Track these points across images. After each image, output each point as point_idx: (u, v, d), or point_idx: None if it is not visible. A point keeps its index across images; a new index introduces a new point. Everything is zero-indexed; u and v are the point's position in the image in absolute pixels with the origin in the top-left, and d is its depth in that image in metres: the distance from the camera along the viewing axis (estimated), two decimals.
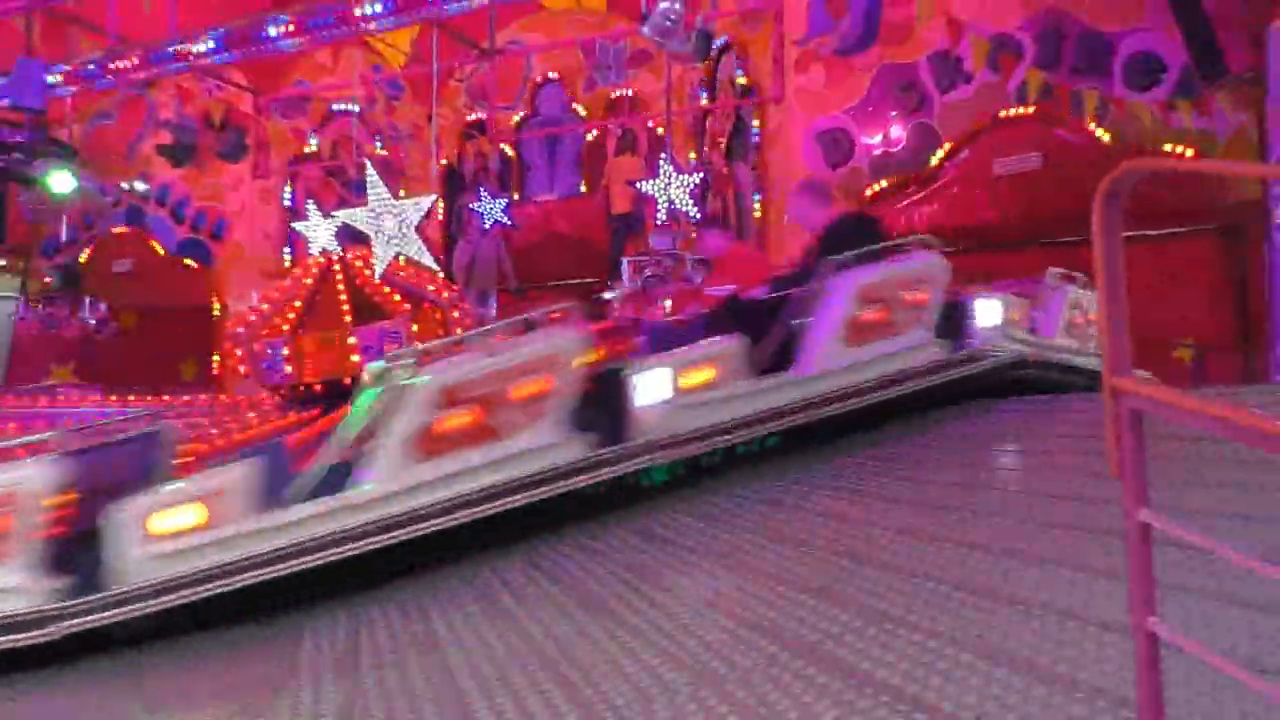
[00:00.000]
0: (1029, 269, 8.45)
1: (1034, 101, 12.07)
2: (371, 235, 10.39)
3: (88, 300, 16.45)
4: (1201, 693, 2.34)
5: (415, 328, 10.67)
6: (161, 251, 17.84)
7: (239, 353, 10.30)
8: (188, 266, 17.71)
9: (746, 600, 3.78)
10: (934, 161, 12.81)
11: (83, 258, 17.97)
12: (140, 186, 17.93)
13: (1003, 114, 12.30)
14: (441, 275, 14.38)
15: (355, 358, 9.98)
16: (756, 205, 14.18)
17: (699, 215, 14.00)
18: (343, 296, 10.37)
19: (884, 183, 13.14)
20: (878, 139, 13.30)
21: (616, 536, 5.37)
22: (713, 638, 3.42)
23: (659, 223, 13.89)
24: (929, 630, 3.01)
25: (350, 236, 14.11)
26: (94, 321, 16.53)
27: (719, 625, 3.56)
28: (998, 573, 3.52)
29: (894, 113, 13.16)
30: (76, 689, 4.95)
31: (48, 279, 17.55)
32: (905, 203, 12.92)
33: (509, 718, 3.12)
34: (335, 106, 17.13)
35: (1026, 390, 7.10)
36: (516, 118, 16.14)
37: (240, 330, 10.56)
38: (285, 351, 10.21)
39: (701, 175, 13.90)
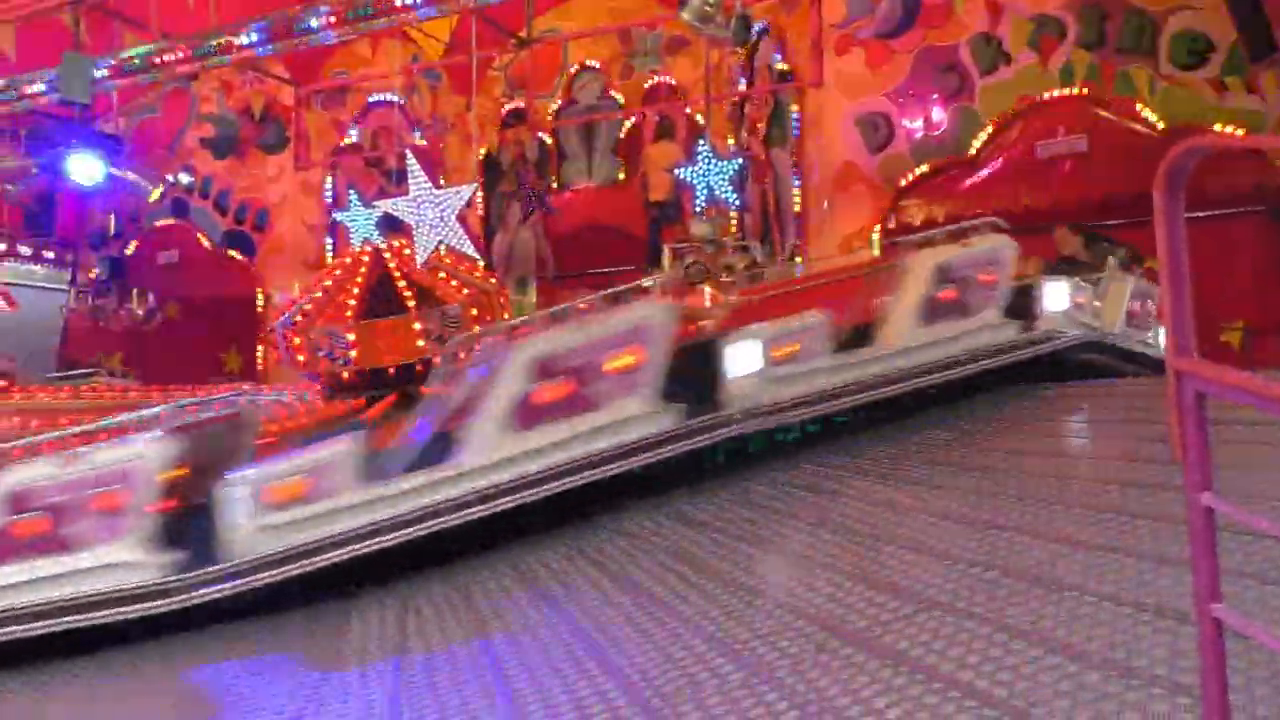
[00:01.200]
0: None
1: (1079, 82, 11.89)
2: (413, 224, 10.44)
3: (135, 292, 16.68)
4: (1259, 679, 2.30)
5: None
6: (206, 243, 18.05)
7: (297, 341, 10.40)
8: (231, 258, 17.90)
9: (794, 587, 3.77)
10: (976, 145, 12.67)
11: (129, 250, 18.23)
12: (184, 179, 18.14)
13: (1046, 95, 12.13)
14: (481, 264, 14.47)
15: (420, 343, 10.02)
16: (796, 192, 14.10)
17: (738, 202, 13.95)
18: (402, 284, 10.44)
19: (925, 167, 13.01)
20: (919, 123, 13.17)
21: (658, 522, 5.38)
22: (761, 624, 3.41)
23: (698, 210, 13.84)
24: (980, 617, 2.99)
25: (390, 226, 14.21)
26: (141, 313, 16.77)
27: (767, 612, 3.55)
28: (1047, 559, 3.48)
29: (935, 95, 13.02)
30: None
31: (96, 271, 17.84)
32: (947, 187, 12.79)
33: (560, 705, 3.13)
34: (374, 97, 17.22)
35: (1089, 375, 7.02)
36: (554, 106, 16.14)
37: (297, 319, 10.64)
38: (350, 338, 10.30)
39: (740, 162, 13.83)
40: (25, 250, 18.03)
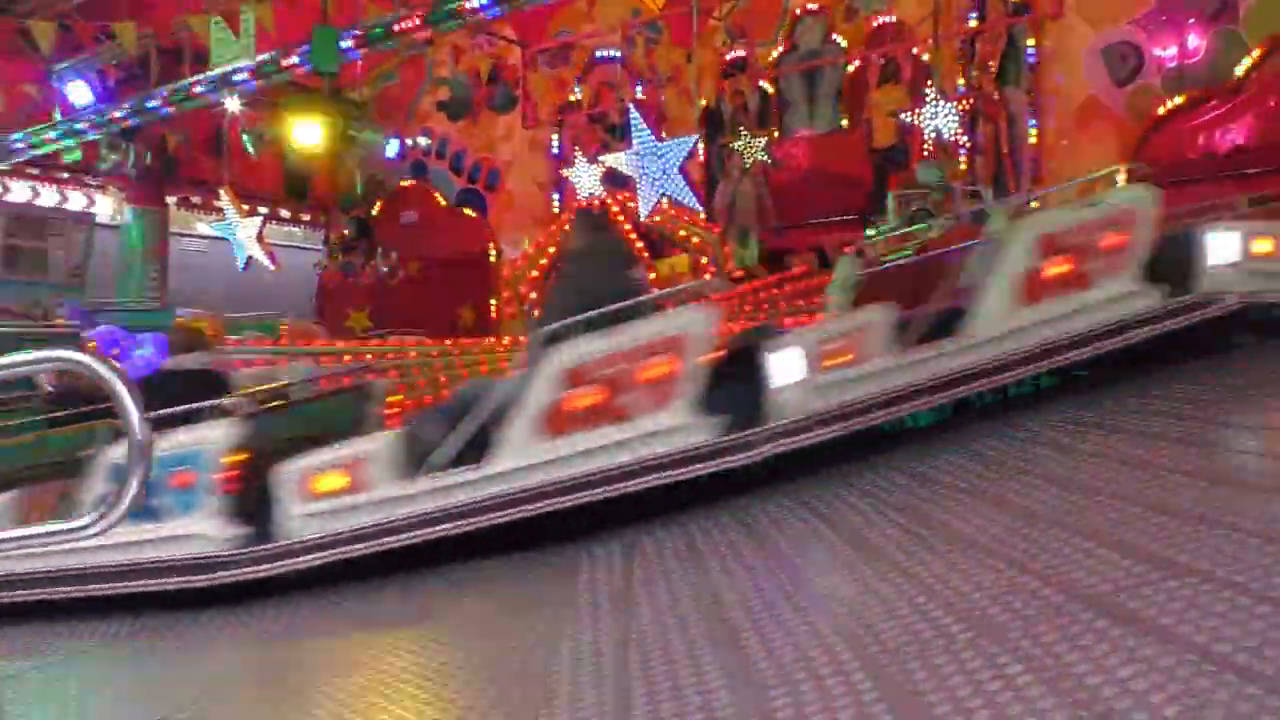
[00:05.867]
0: None
1: None
2: (635, 178, 10.59)
3: (379, 250, 17.78)
4: None
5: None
6: (443, 202, 18.98)
7: (534, 296, 10.87)
8: (466, 216, 18.75)
9: (1027, 546, 3.61)
10: (1239, 71, 11.56)
11: (374, 211, 19.41)
12: (422, 142, 19.11)
13: None
14: (703, 215, 14.54)
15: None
16: (1032, 132, 13.34)
17: (968, 144, 13.35)
18: (633, 235, 10.70)
19: (1179, 99, 12.00)
20: (1172, 50, 12.15)
21: (885, 477, 5.28)
22: (992, 584, 3.30)
23: (925, 154, 13.35)
24: (1239, 586, 2.76)
25: (614, 181, 14.48)
26: (385, 270, 17.88)
27: (997, 571, 3.42)
28: None
29: (1191, 19, 11.96)
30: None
31: (345, 231, 19.14)
32: (1204, 120, 11.76)
33: (783, 655, 3.14)
34: (597, 54, 17.50)
35: None
36: (775, 53, 15.89)
37: (532, 274, 11.13)
38: None
39: (971, 102, 13.20)
40: (285, 214, 19.56)
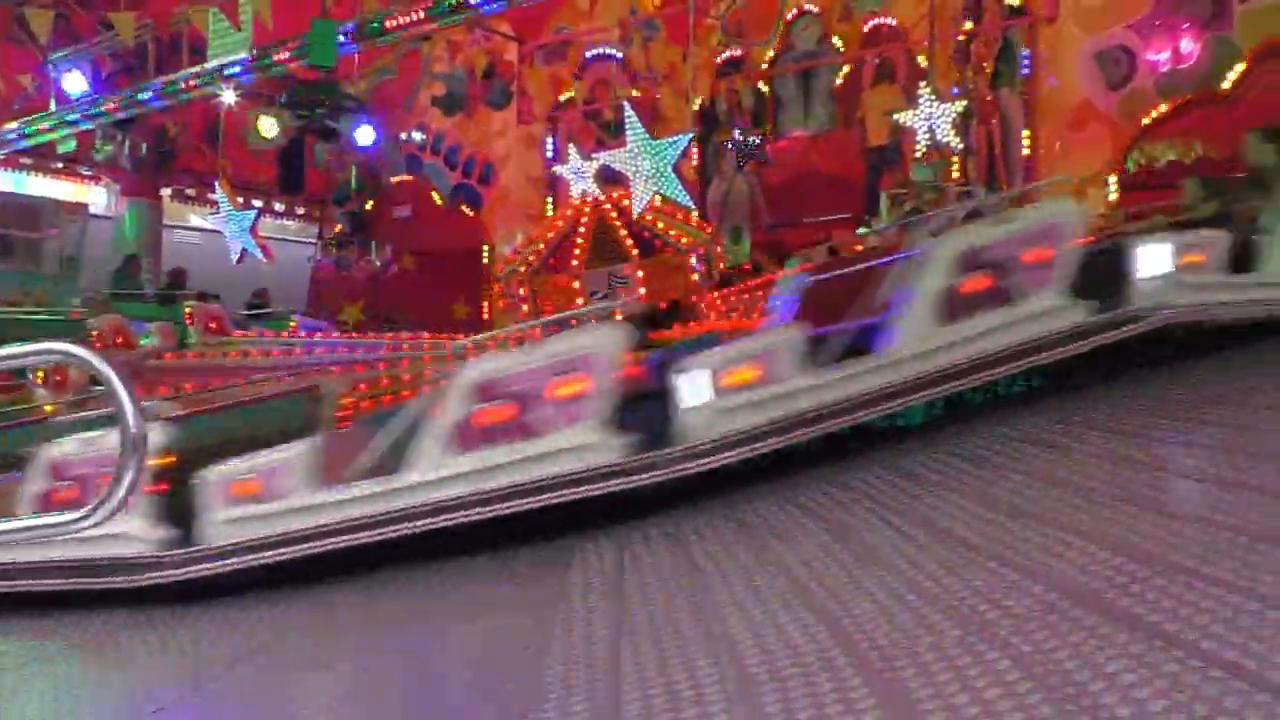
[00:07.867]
0: None
1: None
2: (629, 175, 10.60)
3: (374, 244, 17.76)
4: None
5: (640, 273, 10.90)
6: (437, 198, 18.95)
7: (522, 291, 10.89)
8: (460, 211, 18.72)
9: (1018, 545, 3.64)
10: (1231, 78, 11.61)
11: (368, 206, 19.37)
12: (417, 137, 19.08)
13: None
14: (695, 214, 14.54)
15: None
16: (1025, 134, 13.39)
17: (961, 146, 13.38)
18: (624, 233, 10.70)
19: (1168, 105, 12.05)
20: (1165, 55, 12.19)
21: (875, 475, 5.30)
22: (981, 582, 3.32)
23: (918, 155, 13.38)
24: (1229, 583, 2.80)
25: (608, 178, 14.48)
26: (378, 264, 17.86)
27: (989, 570, 3.45)
28: None
29: (1185, 25, 12.01)
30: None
31: (339, 225, 19.11)
32: (1198, 125, 11.81)
33: (774, 653, 3.16)
34: (593, 51, 17.49)
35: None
36: (770, 53, 15.90)
37: (520, 270, 11.13)
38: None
39: (965, 104, 13.23)
40: (279, 207, 19.53)
